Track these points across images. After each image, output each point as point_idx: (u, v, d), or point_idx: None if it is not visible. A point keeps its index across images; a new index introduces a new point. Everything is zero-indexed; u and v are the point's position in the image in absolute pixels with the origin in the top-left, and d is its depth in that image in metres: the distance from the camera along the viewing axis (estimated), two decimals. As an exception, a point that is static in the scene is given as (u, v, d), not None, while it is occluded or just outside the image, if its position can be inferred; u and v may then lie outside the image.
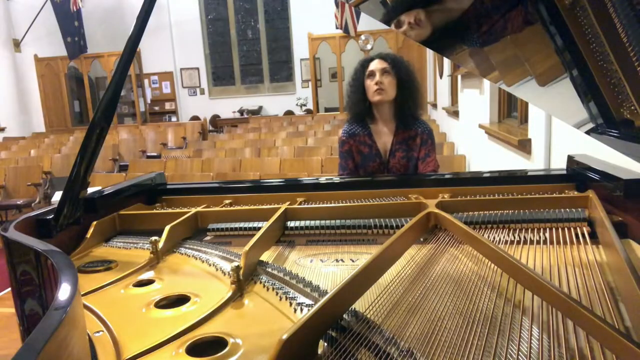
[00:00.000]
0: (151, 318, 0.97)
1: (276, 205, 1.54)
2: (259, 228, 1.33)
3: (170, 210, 1.69)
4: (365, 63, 2.07)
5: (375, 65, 2.01)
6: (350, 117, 2.13)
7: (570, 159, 1.64)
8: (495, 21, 0.91)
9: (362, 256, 1.24)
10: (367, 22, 8.70)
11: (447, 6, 1.01)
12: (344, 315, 0.83)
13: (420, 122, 2.09)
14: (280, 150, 5.65)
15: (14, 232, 1.24)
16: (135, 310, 1.00)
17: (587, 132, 1.05)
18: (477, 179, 1.72)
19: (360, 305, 0.88)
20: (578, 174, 1.53)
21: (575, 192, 1.47)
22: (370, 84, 2.00)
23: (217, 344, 0.84)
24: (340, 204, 1.55)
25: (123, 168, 6.72)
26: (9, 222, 1.32)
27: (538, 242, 1.19)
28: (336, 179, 1.87)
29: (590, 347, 0.72)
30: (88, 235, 1.47)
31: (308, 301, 0.96)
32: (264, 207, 1.57)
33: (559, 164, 2.43)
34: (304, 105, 11.17)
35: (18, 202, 5.48)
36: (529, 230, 1.25)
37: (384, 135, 2.07)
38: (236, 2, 11.95)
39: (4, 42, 10.54)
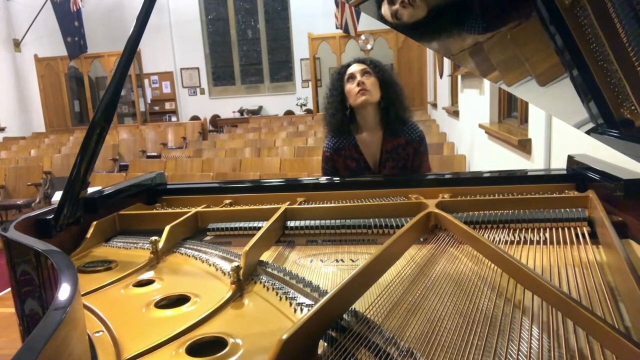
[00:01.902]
0: (151, 318, 0.97)
1: (276, 205, 1.54)
2: (259, 228, 1.33)
3: (170, 210, 1.69)
4: (342, 69, 1.92)
5: (354, 68, 1.88)
6: (330, 130, 1.96)
7: (570, 159, 1.64)
8: (500, 5, 0.90)
9: (362, 256, 1.24)
10: (367, 22, 8.69)
11: None
12: (344, 315, 0.83)
13: (409, 127, 1.93)
14: (280, 150, 5.65)
15: (14, 232, 1.24)
16: (135, 310, 1.00)
17: (587, 132, 1.05)
18: (477, 179, 1.72)
19: (360, 305, 0.88)
20: (578, 174, 1.53)
21: (575, 192, 1.47)
22: (352, 87, 1.85)
23: (217, 344, 0.84)
24: (340, 204, 1.55)
25: (123, 168, 6.73)
26: (9, 222, 1.32)
27: (538, 242, 1.19)
28: (336, 179, 1.86)
29: (590, 347, 0.72)
30: (88, 235, 1.47)
31: (308, 301, 0.96)
32: (264, 207, 1.57)
33: (559, 164, 2.43)
34: (304, 105, 11.17)
35: (18, 202, 5.48)
36: (529, 230, 1.25)
37: (371, 145, 1.93)
38: (236, 2, 11.95)
39: (4, 42, 10.54)
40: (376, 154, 1.94)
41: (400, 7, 1.03)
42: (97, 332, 0.91)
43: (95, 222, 1.51)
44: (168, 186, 1.91)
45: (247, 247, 1.12)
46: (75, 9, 9.64)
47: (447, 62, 6.47)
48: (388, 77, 1.90)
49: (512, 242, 1.20)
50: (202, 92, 12.02)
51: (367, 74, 1.86)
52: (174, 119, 11.75)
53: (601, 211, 1.18)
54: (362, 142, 1.93)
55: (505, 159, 3.48)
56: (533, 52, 0.96)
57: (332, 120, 1.94)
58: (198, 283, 1.14)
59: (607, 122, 0.90)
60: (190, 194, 1.84)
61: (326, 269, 1.16)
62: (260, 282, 1.09)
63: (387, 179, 1.88)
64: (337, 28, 9.43)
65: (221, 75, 12.28)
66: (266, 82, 12.27)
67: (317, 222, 1.42)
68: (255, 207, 1.60)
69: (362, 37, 9.24)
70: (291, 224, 1.44)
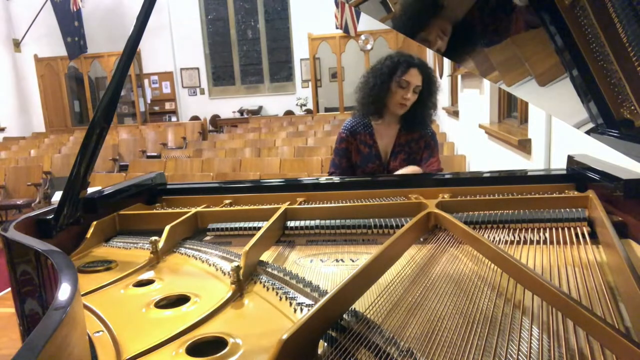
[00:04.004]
0: (151, 318, 0.97)
1: (276, 205, 1.54)
2: (259, 228, 1.33)
3: (170, 210, 1.69)
4: (405, 66, 1.90)
5: (413, 77, 1.89)
6: (360, 108, 2.03)
7: (570, 159, 1.64)
8: (500, 21, 0.91)
9: (362, 256, 1.24)
10: (367, 22, 8.69)
11: (452, 10, 1.02)
12: (344, 315, 0.83)
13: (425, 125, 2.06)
14: (280, 150, 5.65)
15: (14, 232, 1.24)
16: (135, 310, 1.00)
17: (587, 132, 1.05)
18: (477, 179, 1.72)
19: (360, 305, 0.88)
20: (578, 174, 1.53)
21: (575, 192, 1.46)
22: (399, 95, 1.91)
23: (217, 344, 0.84)
24: (340, 204, 1.55)
25: (123, 168, 6.73)
26: (9, 222, 1.32)
27: (538, 242, 1.19)
28: (336, 179, 1.86)
29: (590, 347, 0.72)
30: (88, 235, 1.47)
31: (308, 301, 0.96)
32: (264, 207, 1.57)
33: (559, 164, 2.43)
34: (304, 105, 11.17)
35: (18, 202, 5.48)
36: (529, 230, 1.25)
37: (386, 137, 2.03)
38: (236, 2, 11.95)
39: (4, 42, 10.55)
40: (389, 145, 2.04)
41: (441, 43, 1.10)
42: (97, 332, 0.91)
43: (95, 222, 1.51)
44: (168, 186, 1.91)
45: (247, 247, 1.12)
46: (75, 9, 9.64)
47: (447, 62, 6.47)
48: (430, 93, 1.97)
49: (512, 242, 1.20)
50: (202, 92, 12.02)
51: (416, 91, 1.92)
52: (174, 119, 11.75)
53: (601, 211, 1.18)
54: (378, 132, 2.04)
55: (505, 159, 3.48)
56: (533, 52, 0.96)
57: (367, 101, 1.99)
58: (198, 283, 1.14)
59: (607, 122, 0.91)
60: (190, 194, 1.83)
61: (326, 269, 1.16)
62: (260, 282, 1.08)
63: (387, 179, 1.88)
64: (337, 28, 9.43)
65: (221, 75, 12.28)
66: (266, 82, 12.27)
67: (317, 222, 1.42)
68: (255, 207, 1.60)
69: (362, 37, 9.24)
70: (291, 224, 1.44)
